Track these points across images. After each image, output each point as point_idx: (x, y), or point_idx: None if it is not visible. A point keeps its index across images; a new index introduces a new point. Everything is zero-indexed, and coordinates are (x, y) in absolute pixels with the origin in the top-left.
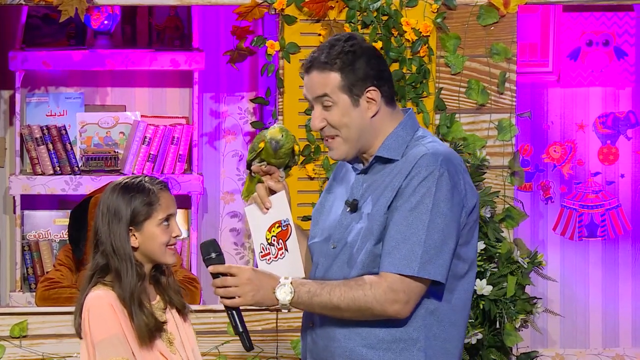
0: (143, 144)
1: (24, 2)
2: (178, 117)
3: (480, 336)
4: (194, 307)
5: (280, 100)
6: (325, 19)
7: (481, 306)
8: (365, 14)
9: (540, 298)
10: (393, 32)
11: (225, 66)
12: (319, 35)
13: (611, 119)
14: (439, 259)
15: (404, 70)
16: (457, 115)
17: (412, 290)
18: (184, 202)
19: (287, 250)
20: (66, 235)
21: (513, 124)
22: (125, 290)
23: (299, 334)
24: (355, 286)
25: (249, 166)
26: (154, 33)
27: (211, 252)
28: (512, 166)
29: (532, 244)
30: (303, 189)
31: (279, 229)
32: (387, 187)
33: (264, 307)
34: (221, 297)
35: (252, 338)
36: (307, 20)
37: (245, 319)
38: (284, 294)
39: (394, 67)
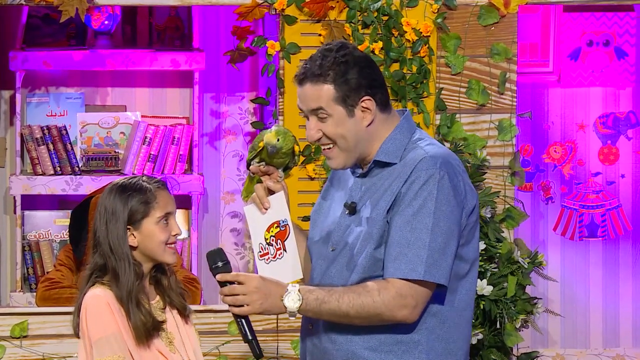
0: (143, 144)
1: (24, 2)
2: (178, 117)
3: (480, 336)
4: (194, 307)
5: (281, 100)
6: (326, 19)
7: (482, 306)
8: (365, 14)
9: (541, 298)
10: (393, 32)
11: (226, 66)
12: (320, 35)
13: (611, 119)
14: (443, 262)
15: (405, 71)
16: (457, 116)
17: (419, 294)
18: (184, 202)
19: (285, 251)
20: (66, 236)
21: (513, 124)
22: (122, 290)
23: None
24: (363, 292)
25: (248, 166)
26: (155, 33)
27: (218, 261)
28: (513, 166)
29: (533, 244)
30: (303, 189)
31: (278, 229)
32: (387, 191)
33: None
34: (229, 306)
35: None
36: (307, 20)
37: None
38: (291, 302)
39: (395, 67)
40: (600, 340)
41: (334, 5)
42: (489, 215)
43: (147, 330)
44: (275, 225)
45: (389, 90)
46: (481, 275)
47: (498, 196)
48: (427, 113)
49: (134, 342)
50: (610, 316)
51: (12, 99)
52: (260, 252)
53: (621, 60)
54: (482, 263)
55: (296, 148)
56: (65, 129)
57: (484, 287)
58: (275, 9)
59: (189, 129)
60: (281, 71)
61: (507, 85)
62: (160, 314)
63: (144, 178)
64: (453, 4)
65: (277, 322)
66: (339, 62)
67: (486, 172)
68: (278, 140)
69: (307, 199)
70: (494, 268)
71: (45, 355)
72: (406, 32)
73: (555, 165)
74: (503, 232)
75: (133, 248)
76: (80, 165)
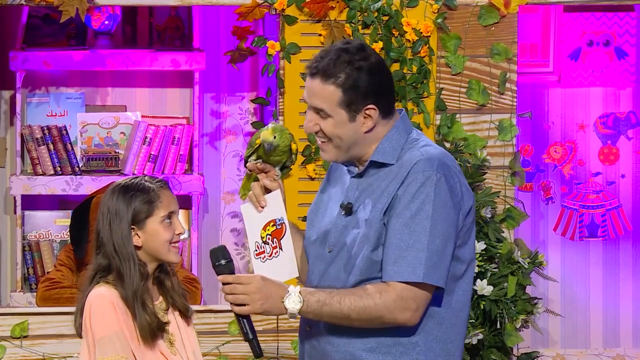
0: (144, 144)
1: (24, 2)
2: (179, 118)
3: (480, 336)
4: (194, 307)
5: (281, 100)
6: (326, 19)
7: (482, 306)
8: (365, 14)
9: (541, 298)
10: (394, 32)
11: (226, 66)
12: (320, 35)
13: (612, 119)
14: (441, 265)
15: (405, 71)
16: (457, 116)
17: (420, 297)
18: (184, 202)
19: (281, 249)
20: (67, 236)
21: (514, 124)
22: (127, 290)
23: None
24: (365, 295)
25: (246, 163)
26: (155, 33)
27: (220, 258)
28: (513, 166)
29: (533, 244)
30: (303, 189)
31: (274, 227)
32: (383, 192)
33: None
34: (231, 304)
35: None
36: (307, 20)
37: None
38: (292, 303)
39: (395, 67)
40: (600, 340)
41: (334, 6)
42: (489, 216)
43: (152, 331)
44: (272, 223)
45: None
46: (481, 275)
47: (498, 196)
48: (428, 113)
49: (138, 342)
50: (610, 316)
51: (13, 99)
52: (256, 250)
53: (621, 60)
54: (483, 263)
55: (293, 146)
56: (66, 129)
57: (484, 287)
58: (276, 9)
59: (189, 129)
60: (281, 71)
61: (508, 85)
62: (163, 315)
63: (146, 178)
64: (453, 4)
65: (277, 322)
66: (353, 66)
67: (486, 172)
68: (274, 137)
69: (307, 199)
70: (494, 268)
71: (45, 355)
72: (406, 32)
73: (556, 165)
74: (503, 232)
75: (137, 248)
76: (80, 166)
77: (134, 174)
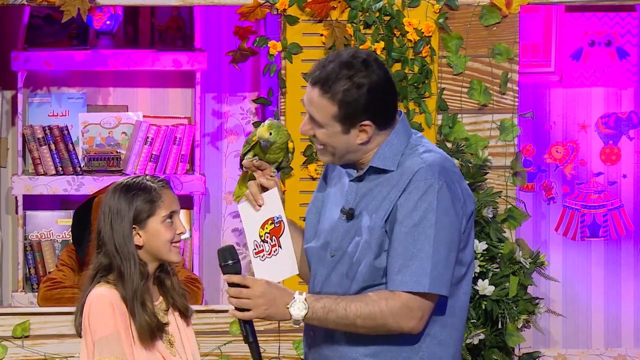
0: (145, 144)
1: (26, 2)
2: (180, 118)
3: (482, 336)
4: (196, 307)
5: (282, 100)
6: (328, 19)
7: (483, 306)
8: (367, 14)
9: (543, 298)
10: (395, 32)
11: (228, 66)
12: (321, 35)
13: (613, 119)
14: (446, 274)
15: (406, 71)
16: (459, 116)
17: (425, 306)
18: (186, 202)
19: (280, 247)
20: (68, 236)
21: (515, 124)
22: (128, 289)
23: (301, 334)
24: (370, 302)
25: (242, 160)
26: (156, 33)
27: (228, 259)
28: (514, 166)
29: (534, 244)
30: (305, 189)
31: (272, 225)
32: (385, 199)
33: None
34: (234, 309)
35: None
36: (309, 20)
37: None
38: (297, 310)
39: (396, 67)
40: (602, 340)
41: (335, 6)
42: (490, 216)
43: (152, 331)
44: (270, 221)
45: None
46: (483, 275)
47: (500, 196)
48: (429, 113)
49: (136, 343)
50: (612, 316)
51: (14, 99)
52: (255, 249)
53: (623, 61)
54: (484, 263)
55: (290, 145)
56: (67, 129)
57: (486, 287)
58: (277, 9)
59: (190, 129)
60: (283, 71)
61: (509, 85)
62: (163, 315)
63: (148, 177)
64: (455, 4)
65: (278, 322)
66: (353, 83)
67: (488, 172)
68: (270, 134)
69: (308, 199)
70: (496, 268)
71: (46, 355)
72: (408, 32)
73: (557, 165)
74: (505, 232)
75: (138, 247)
76: (82, 165)
77: (135, 174)
